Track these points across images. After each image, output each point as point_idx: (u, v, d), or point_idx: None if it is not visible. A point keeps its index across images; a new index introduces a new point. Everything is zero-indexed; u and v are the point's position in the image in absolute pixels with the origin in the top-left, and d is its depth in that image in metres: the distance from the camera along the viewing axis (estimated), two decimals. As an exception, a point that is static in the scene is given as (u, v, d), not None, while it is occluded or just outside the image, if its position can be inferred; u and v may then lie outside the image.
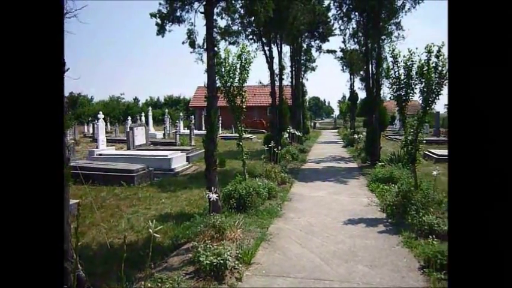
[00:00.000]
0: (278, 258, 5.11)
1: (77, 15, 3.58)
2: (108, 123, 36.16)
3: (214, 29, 9.75)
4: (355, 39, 18.97)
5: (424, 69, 6.62)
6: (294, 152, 15.84)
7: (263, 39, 15.14)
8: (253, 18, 13.26)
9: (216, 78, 6.99)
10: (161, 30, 7.88)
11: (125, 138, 17.11)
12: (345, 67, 29.80)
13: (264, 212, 7.26)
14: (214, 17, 9.22)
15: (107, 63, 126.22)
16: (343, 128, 42.61)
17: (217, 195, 5.94)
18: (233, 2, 10.20)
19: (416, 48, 6.83)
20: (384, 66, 13.22)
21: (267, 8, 8.29)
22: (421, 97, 6.89)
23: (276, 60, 15.77)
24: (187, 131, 23.87)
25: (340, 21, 17.68)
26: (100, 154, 13.63)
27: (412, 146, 7.03)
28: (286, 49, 34.83)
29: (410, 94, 7.12)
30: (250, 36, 16.02)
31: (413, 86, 7.00)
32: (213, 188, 5.95)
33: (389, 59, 7.34)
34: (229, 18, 13.75)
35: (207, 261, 4.37)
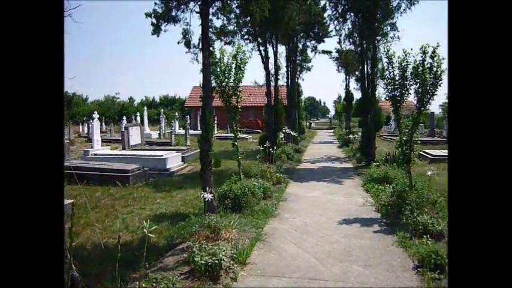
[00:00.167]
0: (273, 258, 5.11)
1: (71, 14, 3.57)
2: (103, 123, 35.99)
3: (210, 29, 9.72)
4: (351, 40, 19.02)
5: (419, 70, 6.65)
6: (289, 152, 15.86)
7: (259, 39, 15.14)
8: (248, 18, 13.29)
9: (212, 78, 6.98)
10: (156, 30, 7.85)
11: (120, 138, 17.04)
12: (340, 67, 29.91)
13: (259, 212, 7.26)
14: (210, 16, 9.20)
15: (102, 63, 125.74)
16: (338, 128, 42.74)
17: (212, 195, 5.94)
18: (229, 2, 10.19)
19: (411, 49, 6.87)
20: (379, 66, 13.27)
21: (263, 8, 8.30)
22: (415, 98, 6.92)
23: (271, 60, 15.80)
24: (183, 131, 23.83)
25: (335, 22, 17.74)
26: (95, 154, 13.57)
27: (406, 146, 7.06)
28: (282, 49, 34.87)
29: (405, 95, 7.15)
30: (246, 36, 16.03)
31: (408, 86, 7.04)
32: (207, 188, 5.95)
33: (384, 60, 7.37)
34: (224, 18, 13.73)
35: (202, 261, 4.37)
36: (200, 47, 7.10)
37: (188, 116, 35.32)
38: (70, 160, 12.44)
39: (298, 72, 24.61)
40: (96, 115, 15.85)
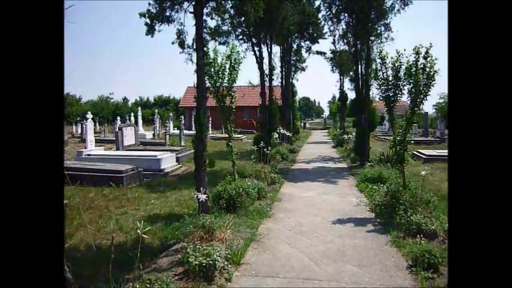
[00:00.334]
0: (267, 259, 5.11)
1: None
2: (97, 124, 35.81)
3: (204, 29, 9.72)
4: (345, 40, 19.07)
5: (412, 71, 6.69)
6: (284, 152, 15.89)
7: (253, 39, 15.14)
8: (243, 18, 13.29)
9: (206, 78, 6.97)
10: (150, 30, 7.84)
11: (114, 139, 16.96)
12: (334, 68, 30.00)
13: (253, 212, 7.26)
14: (204, 17, 9.19)
15: (96, 63, 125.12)
16: (333, 129, 42.89)
17: (206, 195, 5.93)
18: (223, 2, 10.18)
19: (404, 50, 6.90)
20: (373, 67, 13.33)
21: (257, 9, 8.30)
22: (409, 98, 6.96)
23: (266, 61, 15.82)
24: (177, 131, 23.79)
25: (329, 22, 17.78)
26: (88, 154, 13.50)
27: (400, 146, 7.09)
28: (276, 49, 34.90)
29: (399, 95, 7.19)
30: (240, 37, 16.03)
31: (401, 87, 7.07)
32: (202, 188, 5.94)
33: (378, 61, 7.40)
34: (219, 19, 13.74)
35: (196, 262, 4.36)
36: (194, 47, 7.10)
37: (183, 117, 35.11)
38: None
39: (292, 73, 24.63)
40: (89, 115, 15.76)
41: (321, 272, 4.64)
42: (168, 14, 7.57)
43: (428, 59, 6.52)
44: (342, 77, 31.09)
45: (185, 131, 23.83)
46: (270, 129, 15.86)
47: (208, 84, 7.24)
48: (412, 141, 7.38)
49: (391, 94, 7.27)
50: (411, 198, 6.55)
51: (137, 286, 3.94)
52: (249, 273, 4.66)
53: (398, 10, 15.03)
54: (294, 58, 24.29)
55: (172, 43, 8.40)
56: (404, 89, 7.06)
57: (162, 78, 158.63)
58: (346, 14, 16.06)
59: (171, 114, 34.90)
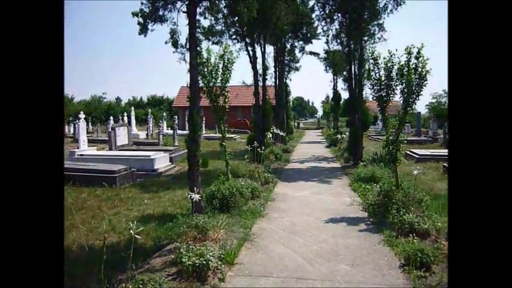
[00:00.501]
0: (261, 258, 5.12)
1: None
2: (90, 123, 35.64)
3: (198, 29, 9.69)
4: (338, 40, 19.13)
5: (404, 71, 6.73)
6: (277, 152, 15.90)
7: (247, 39, 15.13)
8: (236, 18, 13.27)
9: (199, 78, 6.96)
10: (143, 30, 7.79)
11: (107, 139, 16.88)
12: (328, 67, 30.06)
13: (247, 212, 7.26)
14: (198, 16, 9.16)
15: (89, 63, 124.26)
16: (326, 128, 42.99)
17: (199, 195, 5.92)
18: (216, 1, 10.16)
19: (396, 50, 6.94)
20: (366, 67, 13.38)
21: (251, 8, 8.29)
22: (401, 98, 7.00)
23: (259, 61, 15.80)
24: (171, 131, 23.72)
25: (323, 22, 17.80)
26: (81, 155, 13.42)
27: (393, 146, 7.13)
28: (270, 49, 34.93)
29: (391, 95, 7.23)
30: (234, 36, 16.01)
31: (394, 87, 7.11)
32: (195, 188, 5.92)
33: (371, 61, 7.43)
34: (212, 18, 13.70)
35: (190, 262, 4.35)
36: (187, 47, 7.08)
37: (176, 116, 35.04)
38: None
39: (286, 73, 24.65)
40: (82, 115, 15.67)
41: (314, 272, 4.65)
42: (161, 13, 7.52)
43: (420, 59, 6.57)
44: (335, 77, 31.18)
45: (179, 131, 23.77)
46: (263, 129, 15.87)
47: (201, 84, 7.22)
48: (405, 141, 7.41)
49: (383, 94, 7.31)
50: (404, 197, 6.59)
51: (130, 287, 3.92)
52: (243, 273, 4.66)
53: (391, 10, 15.10)
54: (288, 58, 24.32)
55: (166, 43, 8.36)
56: (396, 89, 7.10)
57: (156, 78, 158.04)
58: (339, 14, 16.10)
59: (164, 114, 34.80)
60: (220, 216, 6.53)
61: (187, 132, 6.84)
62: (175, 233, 5.49)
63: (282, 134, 20.63)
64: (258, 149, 11.59)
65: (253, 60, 15.12)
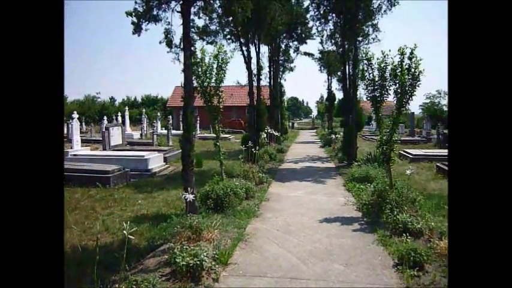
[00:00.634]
0: (255, 258, 5.12)
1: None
2: (83, 123, 35.43)
3: (192, 29, 9.65)
4: (333, 41, 19.18)
5: (397, 71, 6.76)
6: (272, 152, 15.91)
7: (241, 39, 15.11)
8: (231, 18, 13.25)
9: (193, 78, 6.94)
10: (137, 29, 7.74)
11: (101, 139, 16.79)
12: (322, 68, 30.13)
13: (241, 212, 7.26)
14: (192, 16, 9.12)
15: (82, 62, 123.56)
16: (321, 128, 43.09)
17: (193, 195, 5.90)
18: (211, 1, 10.14)
19: (390, 51, 6.98)
20: (360, 67, 13.43)
21: (245, 9, 8.28)
22: (395, 98, 7.03)
23: (254, 61, 15.78)
24: (165, 131, 23.64)
25: (317, 23, 17.84)
26: (74, 155, 13.34)
27: (387, 146, 7.16)
28: (264, 49, 35.06)
29: (385, 95, 7.26)
30: (228, 36, 15.97)
31: (387, 87, 7.15)
32: (189, 188, 5.91)
33: (365, 61, 7.46)
34: (207, 18, 13.67)
35: (184, 263, 4.34)
36: (182, 46, 7.05)
37: (170, 116, 34.98)
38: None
39: (280, 73, 24.65)
40: (75, 115, 15.59)
41: (308, 271, 4.66)
42: (155, 13, 7.49)
43: (413, 60, 6.61)
44: (329, 77, 31.25)
45: (173, 131, 23.71)
46: (258, 129, 15.86)
47: (195, 84, 7.20)
48: (399, 141, 7.45)
49: (377, 94, 7.34)
50: (397, 197, 6.62)
51: (123, 287, 3.91)
52: (237, 273, 4.66)
53: (385, 11, 15.18)
54: (282, 58, 24.33)
55: (160, 42, 8.31)
56: (390, 89, 7.14)
57: (150, 77, 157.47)
58: (334, 15, 16.15)
59: (158, 114, 34.65)
60: (215, 217, 6.53)
61: (182, 132, 6.82)
62: (169, 233, 5.47)
63: (277, 134, 20.64)
64: (253, 149, 11.59)
65: (247, 60, 15.11)
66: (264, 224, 6.72)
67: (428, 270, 4.52)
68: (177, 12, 6.84)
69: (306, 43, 23.65)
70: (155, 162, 12.92)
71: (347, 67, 15.87)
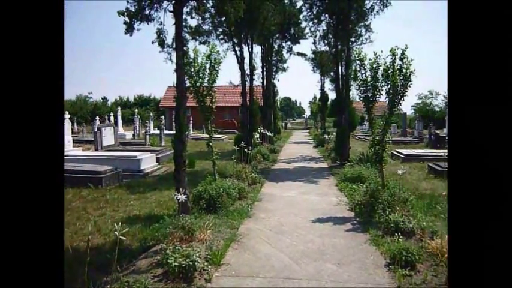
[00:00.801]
0: (248, 259, 5.11)
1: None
2: (75, 124, 35.18)
3: (184, 29, 9.62)
4: (326, 41, 19.23)
5: (389, 72, 6.80)
6: (264, 152, 15.92)
7: (234, 39, 15.11)
8: (224, 18, 13.23)
9: (186, 78, 6.92)
10: (129, 29, 7.69)
11: (93, 139, 16.68)
12: (315, 68, 30.21)
13: (234, 212, 7.25)
14: (185, 16, 9.08)
15: (74, 61, 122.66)
16: (314, 129, 43.19)
17: (186, 196, 5.88)
18: (203, 1, 10.11)
19: (382, 51, 7.02)
20: (353, 68, 13.48)
21: (237, 9, 8.27)
22: (387, 98, 7.07)
23: (246, 61, 15.79)
24: (158, 132, 23.55)
25: (310, 23, 17.88)
26: (66, 155, 13.22)
27: (379, 146, 7.20)
28: (257, 50, 35.06)
29: (377, 95, 7.30)
30: (221, 36, 15.96)
31: (379, 87, 7.18)
32: (182, 188, 5.89)
33: (357, 62, 7.50)
34: (199, 18, 13.64)
35: (176, 263, 4.33)
36: (174, 46, 7.03)
37: (163, 116, 34.84)
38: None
39: (273, 73, 24.68)
40: (67, 115, 15.45)
41: (300, 271, 4.66)
42: (147, 12, 7.45)
43: (404, 60, 6.66)
44: (322, 78, 31.37)
45: (166, 131, 23.61)
46: (251, 129, 15.87)
47: (188, 84, 7.18)
48: (391, 141, 7.49)
49: (369, 95, 7.37)
50: (389, 197, 6.65)
51: (115, 288, 3.88)
52: (229, 273, 4.65)
53: (377, 12, 15.26)
54: (275, 58, 24.36)
55: (153, 42, 8.28)
56: (382, 90, 7.18)
57: (143, 77, 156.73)
58: (326, 15, 16.19)
59: (151, 114, 34.53)
60: (207, 217, 6.51)
61: (174, 132, 6.80)
62: (161, 234, 5.45)
63: (270, 134, 20.66)
64: (245, 149, 11.58)
65: (240, 61, 15.11)
66: (256, 224, 6.71)
67: (420, 269, 4.55)
68: (170, 12, 6.81)
69: (299, 43, 23.75)
70: (148, 162, 12.86)
71: (340, 67, 15.92)
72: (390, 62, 6.79)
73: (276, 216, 7.24)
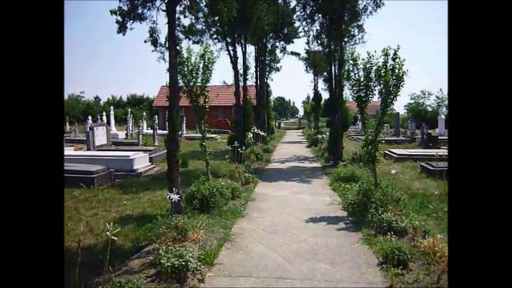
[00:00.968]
0: (241, 259, 5.11)
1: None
2: (67, 123, 34.92)
3: (178, 28, 9.58)
4: (319, 41, 19.28)
5: (381, 72, 6.84)
6: (258, 152, 15.92)
7: (227, 38, 15.09)
8: (217, 17, 13.20)
9: (179, 77, 6.89)
10: (122, 28, 7.65)
11: (85, 139, 16.57)
12: (309, 68, 30.26)
13: (227, 212, 7.24)
14: (178, 15, 9.05)
15: (67, 60, 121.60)
16: (307, 128, 43.26)
17: (179, 196, 5.86)
18: (197, 0, 10.08)
19: (375, 51, 7.05)
20: (346, 68, 13.54)
21: (231, 8, 8.25)
22: (380, 98, 7.11)
23: (240, 60, 15.76)
24: (151, 131, 23.45)
25: (304, 23, 17.92)
26: (58, 155, 13.11)
27: (372, 145, 7.23)
28: (251, 49, 35.04)
29: (370, 95, 7.33)
30: (215, 36, 15.94)
31: (372, 87, 7.22)
32: (174, 188, 5.86)
33: (350, 62, 7.53)
34: (193, 17, 13.61)
35: (169, 263, 4.31)
36: (167, 45, 7.00)
37: (156, 116, 34.76)
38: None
39: (267, 73, 24.70)
40: (59, 115, 15.32)
41: (294, 271, 4.67)
42: (140, 11, 7.42)
43: (396, 61, 6.69)
44: (316, 77, 31.41)
45: (159, 131, 23.54)
46: (244, 129, 15.86)
47: (181, 84, 7.16)
48: (383, 141, 7.53)
49: (362, 94, 7.41)
50: (382, 196, 6.68)
51: (107, 289, 3.86)
52: (222, 273, 4.64)
53: (370, 12, 15.33)
54: (269, 58, 24.38)
55: (145, 41, 8.24)
56: (375, 90, 7.21)
57: (136, 77, 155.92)
58: (320, 15, 16.23)
59: (144, 114, 34.38)
60: (200, 217, 6.50)
61: (167, 132, 6.77)
62: (154, 234, 5.42)
63: (263, 134, 20.67)
64: (239, 149, 11.57)
65: (234, 60, 15.09)
66: (250, 224, 6.71)
67: (412, 268, 4.58)
68: (163, 10, 6.78)
69: (292, 42, 23.79)
70: (140, 162, 12.80)
71: (333, 67, 15.97)
72: (383, 62, 6.82)
73: (269, 216, 7.24)
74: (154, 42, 7.76)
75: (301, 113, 76.59)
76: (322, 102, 34.69)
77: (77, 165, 11.01)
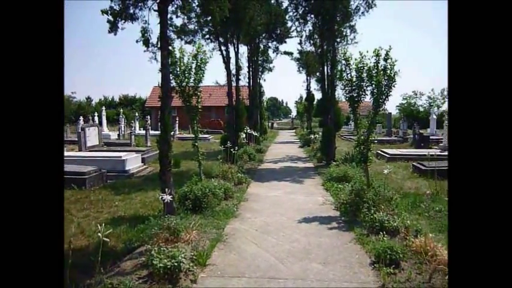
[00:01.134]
0: (233, 259, 5.10)
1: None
2: (59, 124, 34.60)
3: (170, 28, 9.55)
4: (311, 41, 19.33)
5: (373, 72, 6.87)
6: (251, 152, 15.91)
7: (220, 38, 15.07)
8: (209, 17, 13.18)
9: (171, 78, 6.86)
10: (113, 28, 7.59)
11: (77, 139, 16.43)
12: (301, 68, 30.30)
13: (220, 212, 7.23)
14: (170, 15, 9.04)
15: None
16: (300, 128, 43.35)
17: (171, 196, 5.84)
18: (189, 0, 10.05)
19: (367, 52, 7.08)
20: (339, 68, 13.58)
21: (223, 8, 8.24)
22: (372, 98, 7.14)
23: (232, 61, 15.77)
24: (143, 132, 23.34)
25: (296, 23, 17.96)
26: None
27: (364, 145, 7.26)
28: (244, 50, 34.93)
29: (362, 95, 7.36)
30: (207, 36, 15.91)
31: (364, 87, 7.25)
32: (167, 189, 5.84)
33: (343, 62, 7.55)
34: (185, 17, 13.57)
35: (161, 264, 4.29)
36: (159, 45, 6.96)
37: (149, 116, 34.61)
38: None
39: (259, 73, 24.72)
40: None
41: (286, 271, 4.67)
42: (131, 11, 7.37)
43: (388, 61, 6.73)
44: (308, 78, 31.46)
45: (152, 131, 23.46)
46: (237, 129, 15.85)
47: (173, 84, 7.13)
48: (375, 141, 7.58)
49: (355, 95, 7.43)
50: (374, 196, 6.72)
51: (99, 291, 3.83)
52: (215, 274, 4.63)
53: (362, 13, 15.40)
54: (261, 58, 24.39)
55: (137, 41, 8.19)
56: (367, 90, 7.24)
57: (128, 77, 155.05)
58: (312, 15, 16.27)
59: (137, 114, 34.23)
60: (193, 217, 6.47)
61: (160, 132, 6.74)
62: (146, 235, 5.39)
63: (256, 134, 20.67)
64: (232, 150, 11.56)
65: (226, 60, 15.07)
66: (242, 225, 6.70)
67: (404, 267, 4.60)
68: (154, 10, 6.75)
69: (285, 42, 23.81)
70: (133, 163, 12.73)
71: (325, 67, 16.03)
72: (374, 63, 6.86)
73: (262, 216, 7.24)
74: (146, 42, 7.72)
75: (294, 113, 76.80)
76: (314, 103, 34.74)
77: (69, 166, 10.91)
